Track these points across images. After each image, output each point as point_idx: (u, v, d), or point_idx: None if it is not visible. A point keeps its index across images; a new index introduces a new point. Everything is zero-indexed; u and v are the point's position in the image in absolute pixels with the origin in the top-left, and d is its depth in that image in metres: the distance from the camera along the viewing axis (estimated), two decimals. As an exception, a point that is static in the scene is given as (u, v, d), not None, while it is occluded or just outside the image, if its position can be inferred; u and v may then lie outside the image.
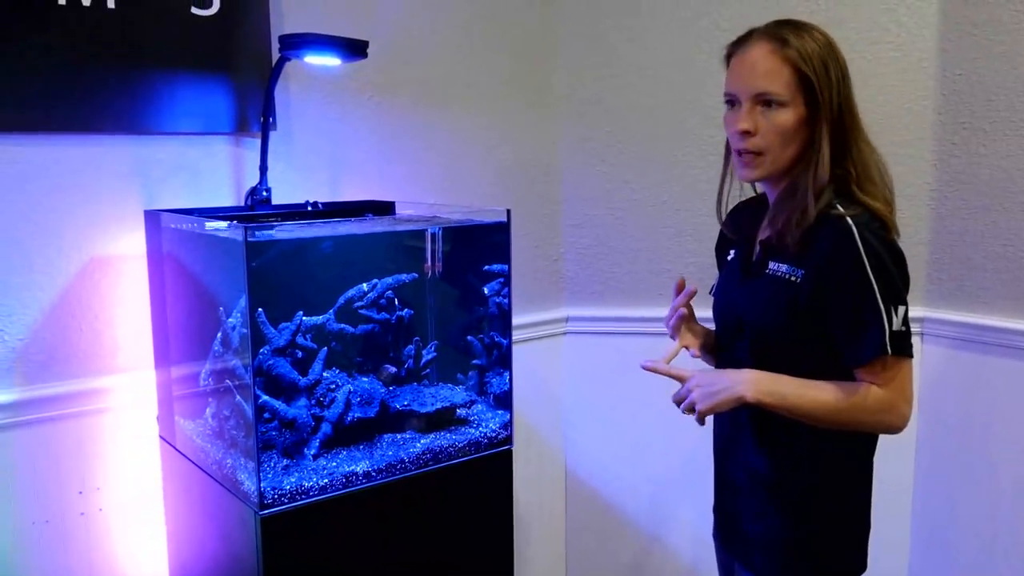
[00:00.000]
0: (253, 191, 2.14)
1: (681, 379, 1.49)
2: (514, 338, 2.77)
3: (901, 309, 1.36)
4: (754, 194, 1.66)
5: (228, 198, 2.21)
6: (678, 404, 1.52)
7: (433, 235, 2.16)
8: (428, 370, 2.14)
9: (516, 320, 2.69)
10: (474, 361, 2.15)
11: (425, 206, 2.23)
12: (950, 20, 2.37)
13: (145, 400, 1.98)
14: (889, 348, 1.35)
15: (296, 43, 1.82)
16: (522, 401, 2.77)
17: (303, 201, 2.21)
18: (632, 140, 2.67)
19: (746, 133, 1.52)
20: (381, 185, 2.41)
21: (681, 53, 2.57)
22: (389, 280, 2.06)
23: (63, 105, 1.89)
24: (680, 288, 1.65)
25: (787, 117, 1.44)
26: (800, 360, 1.45)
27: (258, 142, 2.16)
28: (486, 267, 2.10)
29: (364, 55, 1.92)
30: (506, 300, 2.03)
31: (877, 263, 1.36)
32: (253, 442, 1.68)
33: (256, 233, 1.62)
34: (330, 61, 1.91)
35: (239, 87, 2.13)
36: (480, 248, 2.11)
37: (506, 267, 2.01)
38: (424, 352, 2.11)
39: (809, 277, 1.41)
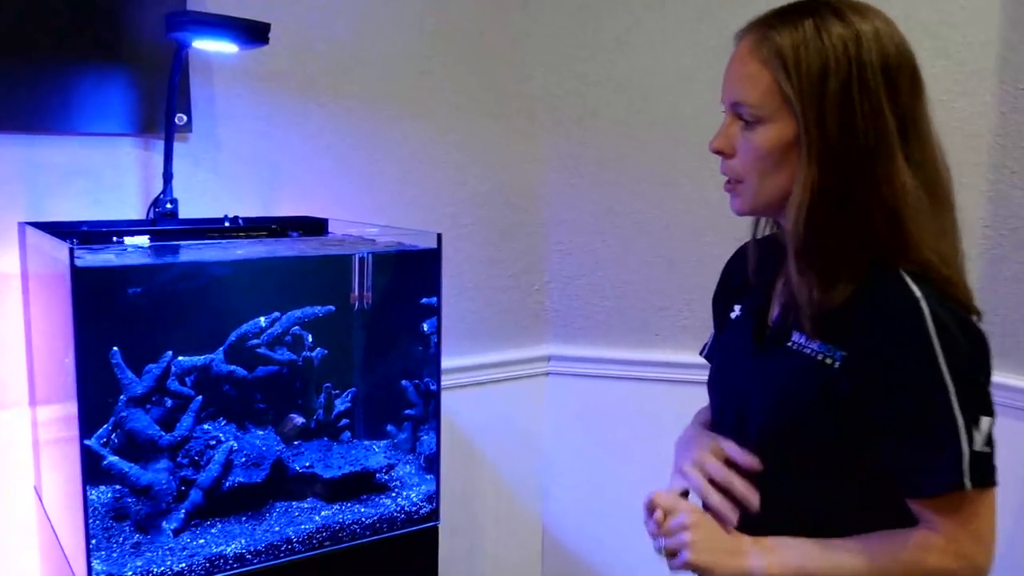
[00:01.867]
0: (156, 202, 1.80)
1: (672, 511, 1.09)
2: (490, 378, 2.42)
3: (985, 422, 0.96)
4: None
5: (135, 209, 1.89)
6: (656, 536, 1.14)
7: (361, 260, 1.80)
8: (345, 422, 1.77)
9: (492, 358, 2.35)
10: (407, 411, 1.78)
11: (361, 227, 1.87)
12: (1015, 23, 1.92)
13: (26, 444, 1.66)
14: (968, 479, 0.94)
15: (182, 23, 1.48)
16: (496, 450, 2.41)
17: (221, 216, 1.87)
18: (625, 158, 2.28)
19: (719, 153, 1.13)
20: (324, 201, 2.06)
21: (681, 60, 2.17)
22: (297, 313, 1.71)
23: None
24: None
25: (766, 136, 1.06)
26: (825, 480, 1.07)
27: (178, 146, 1.84)
28: (425, 300, 1.73)
29: (265, 40, 1.58)
30: (435, 338, 1.66)
31: (954, 355, 0.95)
32: (81, 514, 1.33)
33: (85, 256, 1.27)
34: (225, 47, 1.57)
35: (149, 81, 1.81)
36: (419, 278, 1.75)
37: (435, 300, 1.64)
38: (339, 401, 1.75)
39: (853, 364, 1.02)
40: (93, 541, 1.44)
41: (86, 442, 1.44)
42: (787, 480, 1.10)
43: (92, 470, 1.46)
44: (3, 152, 1.74)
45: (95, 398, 1.50)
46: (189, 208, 1.89)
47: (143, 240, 1.70)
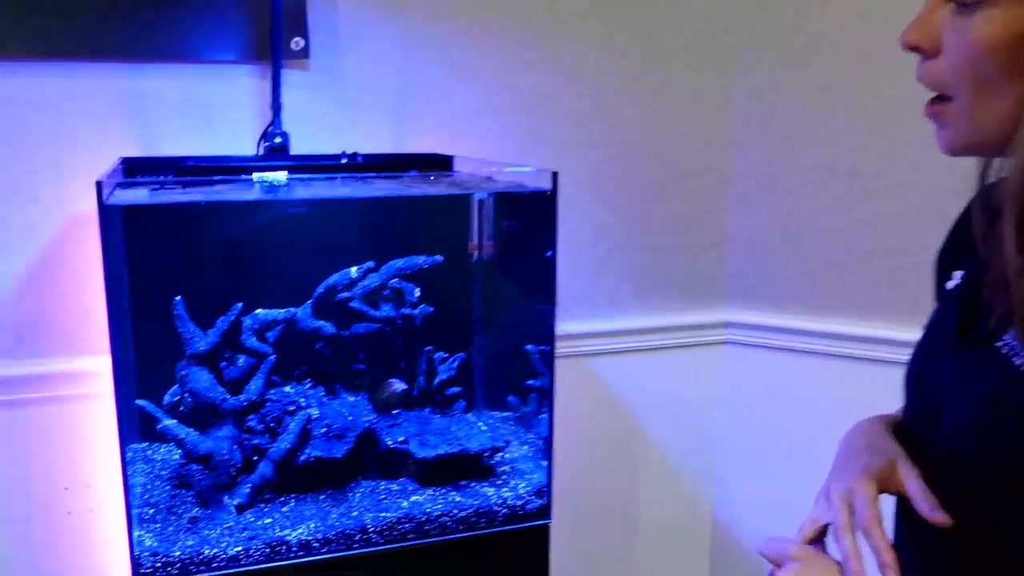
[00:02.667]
0: (264, 135, 1.62)
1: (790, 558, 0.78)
2: (657, 344, 2.09)
3: None
4: None
5: (250, 144, 1.71)
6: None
7: (481, 203, 1.53)
8: (453, 391, 1.53)
9: (659, 321, 2.01)
10: (528, 382, 1.51)
11: (494, 167, 1.60)
12: None
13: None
14: None
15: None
16: (660, 427, 2.08)
17: (339, 152, 1.66)
18: (834, 91, 1.86)
19: (914, 49, 0.77)
20: (460, 139, 1.80)
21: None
22: (398, 264, 1.47)
23: (32, 24, 1.47)
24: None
25: (990, 27, 0.71)
26: None
27: (295, 74, 1.65)
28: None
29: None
30: (550, 296, 1.37)
31: None
32: (123, 483, 1.17)
33: (116, 194, 1.09)
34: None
35: (267, 3, 1.62)
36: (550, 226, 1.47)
37: (550, 253, 1.35)
38: (443, 368, 1.50)
39: None
40: (138, 511, 1.29)
41: (138, 402, 1.28)
42: (978, 525, 0.73)
43: (151, 433, 1.30)
44: (107, 83, 1.60)
45: (159, 354, 1.34)
46: (307, 143, 1.69)
47: (281, 176, 1.51)
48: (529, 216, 1.51)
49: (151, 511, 1.31)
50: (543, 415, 1.47)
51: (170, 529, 1.27)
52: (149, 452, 1.46)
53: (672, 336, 2.08)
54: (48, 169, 1.53)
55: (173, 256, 1.39)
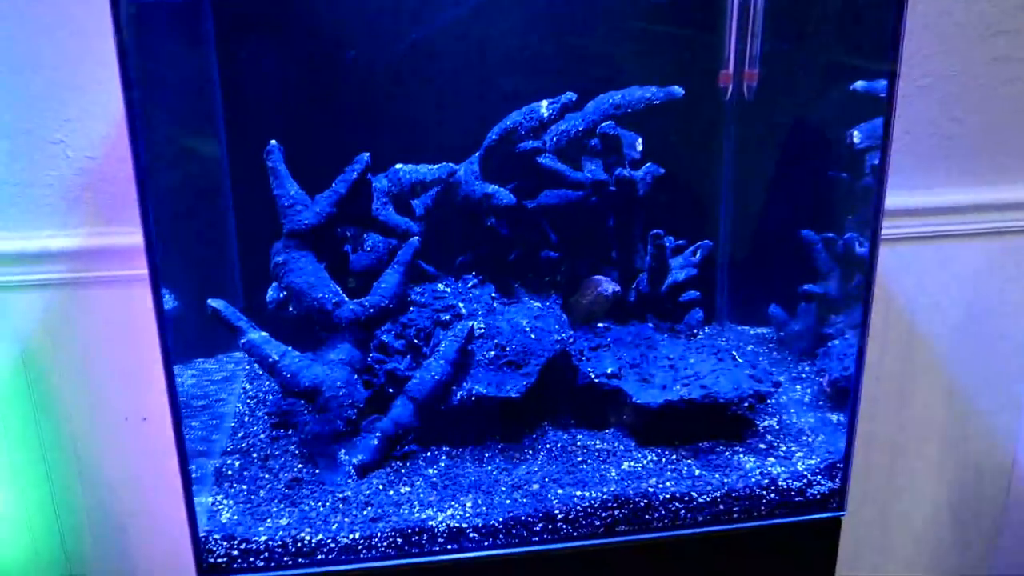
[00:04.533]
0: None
1: None
2: (951, 230, 1.43)
3: None
4: None
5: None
6: None
7: (743, 5, 0.96)
8: (689, 296, 1.01)
9: (955, 198, 1.34)
10: (806, 287, 0.97)
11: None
12: None
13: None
14: None
15: None
16: (946, 342, 1.42)
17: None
18: None
19: None
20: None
21: None
22: (613, 98, 0.94)
23: None
24: None
25: None
26: None
27: None
28: (859, 85, 0.89)
29: None
30: (873, 158, 0.82)
31: None
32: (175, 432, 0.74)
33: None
34: None
35: None
36: (861, 45, 0.90)
37: (881, 88, 0.79)
38: (678, 261, 0.97)
39: None
40: (218, 465, 0.86)
41: (211, 303, 0.83)
42: None
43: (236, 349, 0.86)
44: None
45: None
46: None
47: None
48: (823, 24, 0.93)
49: (237, 463, 0.88)
50: (839, 340, 0.92)
51: (260, 495, 0.84)
52: (243, 373, 1.03)
53: (969, 220, 1.41)
54: None
55: (264, 73, 0.91)
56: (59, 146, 1.06)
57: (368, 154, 0.86)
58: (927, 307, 1.30)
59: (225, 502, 0.84)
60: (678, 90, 0.94)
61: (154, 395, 0.91)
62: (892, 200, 1.19)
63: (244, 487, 0.86)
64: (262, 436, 0.93)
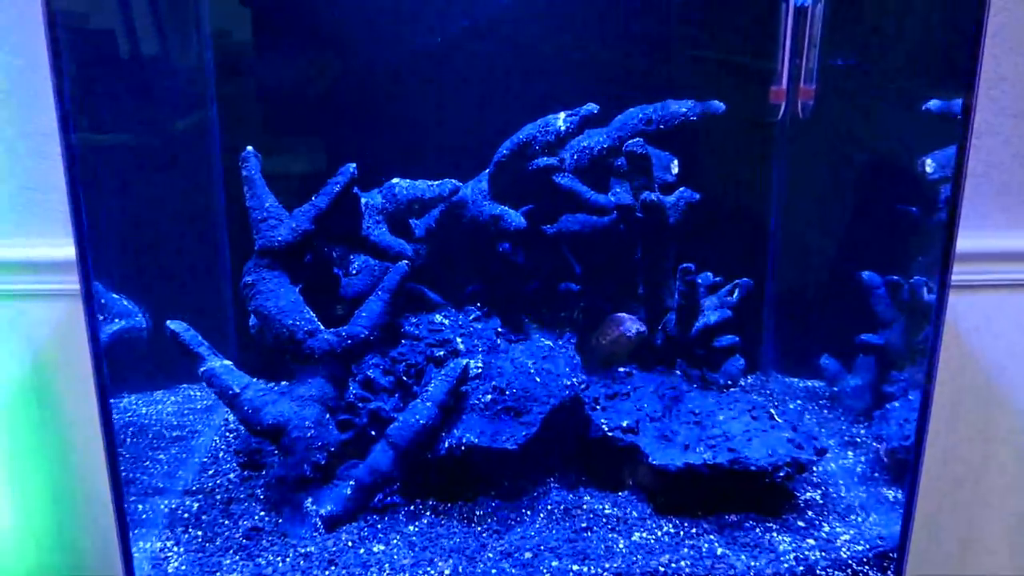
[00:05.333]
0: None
1: None
2: None
3: None
4: None
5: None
6: None
7: (799, 9, 0.84)
8: (725, 342, 0.88)
9: None
10: (865, 337, 0.84)
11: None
12: None
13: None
14: None
15: None
16: None
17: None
18: None
19: None
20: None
21: None
22: (644, 112, 0.82)
23: None
24: None
25: None
26: None
27: None
28: (932, 105, 0.76)
29: None
30: (946, 192, 0.69)
31: None
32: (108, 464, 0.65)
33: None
34: None
35: None
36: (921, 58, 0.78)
37: (944, 104, 0.66)
38: (711, 302, 0.85)
39: None
40: (175, 505, 0.76)
41: (170, 325, 0.74)
42: None
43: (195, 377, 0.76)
44: None
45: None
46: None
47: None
48: (892, 33, 0.80)
49: (195, 505, 0.78)
50: (901, 399, 0.78)
51: (215, 540, 0.74)
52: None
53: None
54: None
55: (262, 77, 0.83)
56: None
57: (354, 165, 0.76)
58: (1012, 366, 1.13)
59: (175, 549, 0.74)
60: (718, 105, 0.82)
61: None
62: (972, 241, 1.04)
63: (200, 533, 0.76)
64: (232, 476, 0.83)
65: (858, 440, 0.88)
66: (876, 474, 0.83)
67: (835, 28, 0.87)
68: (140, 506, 0.78)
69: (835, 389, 0.93)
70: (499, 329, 0.85)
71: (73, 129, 0.61)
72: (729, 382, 0.89)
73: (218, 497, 0.80)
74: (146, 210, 0.85)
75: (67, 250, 1.02)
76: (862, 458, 0.86)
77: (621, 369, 0.87)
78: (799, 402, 0.94)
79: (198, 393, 0.97)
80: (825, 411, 0.93)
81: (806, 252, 0.95)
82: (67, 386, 1.12)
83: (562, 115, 0.80)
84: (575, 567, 0.72)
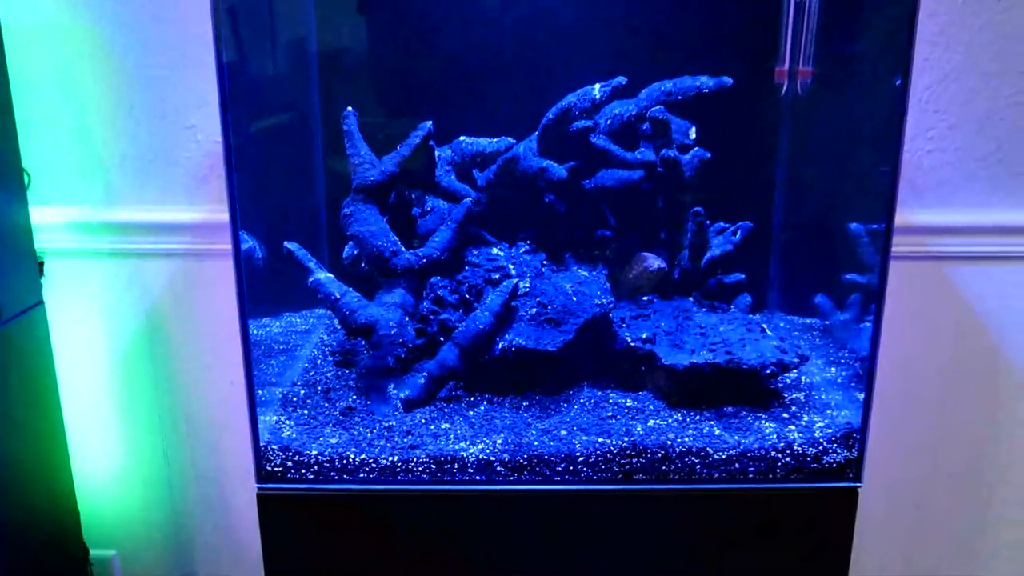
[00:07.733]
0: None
1: None
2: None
3: None
4: None
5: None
6: None
7: (799, 4, 1.03)
8: (732, 280, 1.06)
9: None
10: (851, 276, 1.02)
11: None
12: None
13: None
14: None
15: None
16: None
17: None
18: None
19: None
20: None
21: None
22: (664, 86, 1.01)
23: None
24: None
25: None
26: None
27: None
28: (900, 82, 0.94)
29: None
30: (889, 166, 0.87)
31: None
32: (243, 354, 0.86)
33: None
34: None
35: None
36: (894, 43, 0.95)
37: (898, 81, 0.84)
38: (718, 241, 1.03)
39: None
40: (285, 392, 0.97)
41: (287, 245, 0.95)
42: None
43: (304, 288, 0.97)
44: None
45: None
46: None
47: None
48: (871, 26, 0.98)
49: (302, 391, 0.99)
50: (865, 326, 0.95)
51: (318, 418, 0.94)
52: (323, 326, 1.15)
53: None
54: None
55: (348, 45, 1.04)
56: (191, 131, 1.21)
57: (431, 122, 0.96)
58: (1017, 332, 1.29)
59: (287, 422, 0.95)
60: (728, 80, 1.01)
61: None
62: (982, 216, 1.21)
63: (305, 412, 0.97)
64: (329, 374, 1.04)
65: (842, 361, 1.06)
66: (853, 385, 1.00)
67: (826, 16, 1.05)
68: (260, 391, 0.99)
69: (827, 323, 1.11)
70: (544, 261, 1.04)
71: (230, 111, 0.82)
72: (731, 310, 1.07)
73: (319, 388, 1.01)
74: (264, 162, 1.06)
75: (180, 215, 1.24)
76: (843, 373, 1.03)
77: (644, 298, 1.06)
78: (792, 330, 1.12)
79: (298, 320, 1.18)
80: (817, 340, 1.11)
81: (806, 208, 1.13)
82: (178, 335, 1.33)
83: (597, 86, 1.00)
84: (600, 439, 0.91)
